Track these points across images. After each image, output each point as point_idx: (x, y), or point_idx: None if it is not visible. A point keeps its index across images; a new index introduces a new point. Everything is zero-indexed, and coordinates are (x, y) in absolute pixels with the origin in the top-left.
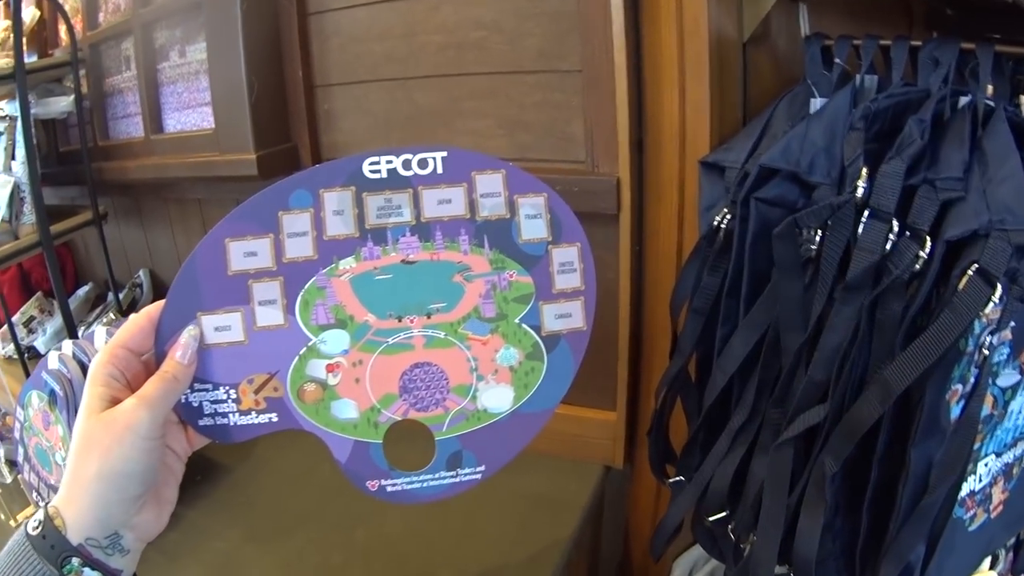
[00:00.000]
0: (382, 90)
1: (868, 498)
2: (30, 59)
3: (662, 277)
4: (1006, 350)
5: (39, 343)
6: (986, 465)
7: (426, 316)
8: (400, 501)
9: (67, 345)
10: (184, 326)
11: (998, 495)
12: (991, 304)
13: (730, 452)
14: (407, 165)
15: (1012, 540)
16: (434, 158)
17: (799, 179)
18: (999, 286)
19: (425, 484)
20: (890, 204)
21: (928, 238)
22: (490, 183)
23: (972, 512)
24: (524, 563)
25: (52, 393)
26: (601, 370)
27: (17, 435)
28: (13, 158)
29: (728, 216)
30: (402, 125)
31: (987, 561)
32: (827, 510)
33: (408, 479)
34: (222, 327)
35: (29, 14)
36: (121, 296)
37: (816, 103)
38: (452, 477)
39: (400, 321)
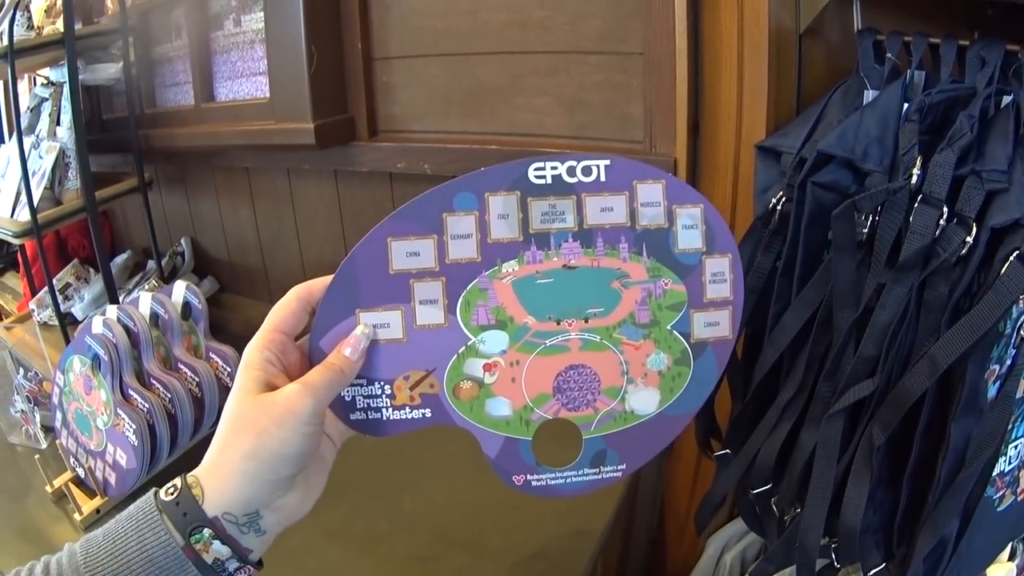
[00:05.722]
0: (443, 64)
1: (909, 471)
2: (76, 26)
3: None
4: None
5: (76, 310)
6: (1016, 447)
7: (583, 320)
8: (543, 495)
9: (111, 310)
10: (341, 322)
11: None
12: None
13: (778, 426)
14: (571, 172)
15: None
16: (598, 166)
17: (853, 166)
18: None
19: (568, 480)
20: (941, 192)
21: (974, 225)
22: (651, 193)
23: (1001, 492)
24: (569, 532)
25: (96, 358)
26: None
27: (56, 400)
28: (58, 124)
29: (784, 199)
30: (461, 100)
31: (1006, 552)
32: (872, 480)
33: (553, 475)
34: (381, 324)
35: None
36: (163, 264)
37: (869, 94)
38: (595, 474)
39: (559, 324)
